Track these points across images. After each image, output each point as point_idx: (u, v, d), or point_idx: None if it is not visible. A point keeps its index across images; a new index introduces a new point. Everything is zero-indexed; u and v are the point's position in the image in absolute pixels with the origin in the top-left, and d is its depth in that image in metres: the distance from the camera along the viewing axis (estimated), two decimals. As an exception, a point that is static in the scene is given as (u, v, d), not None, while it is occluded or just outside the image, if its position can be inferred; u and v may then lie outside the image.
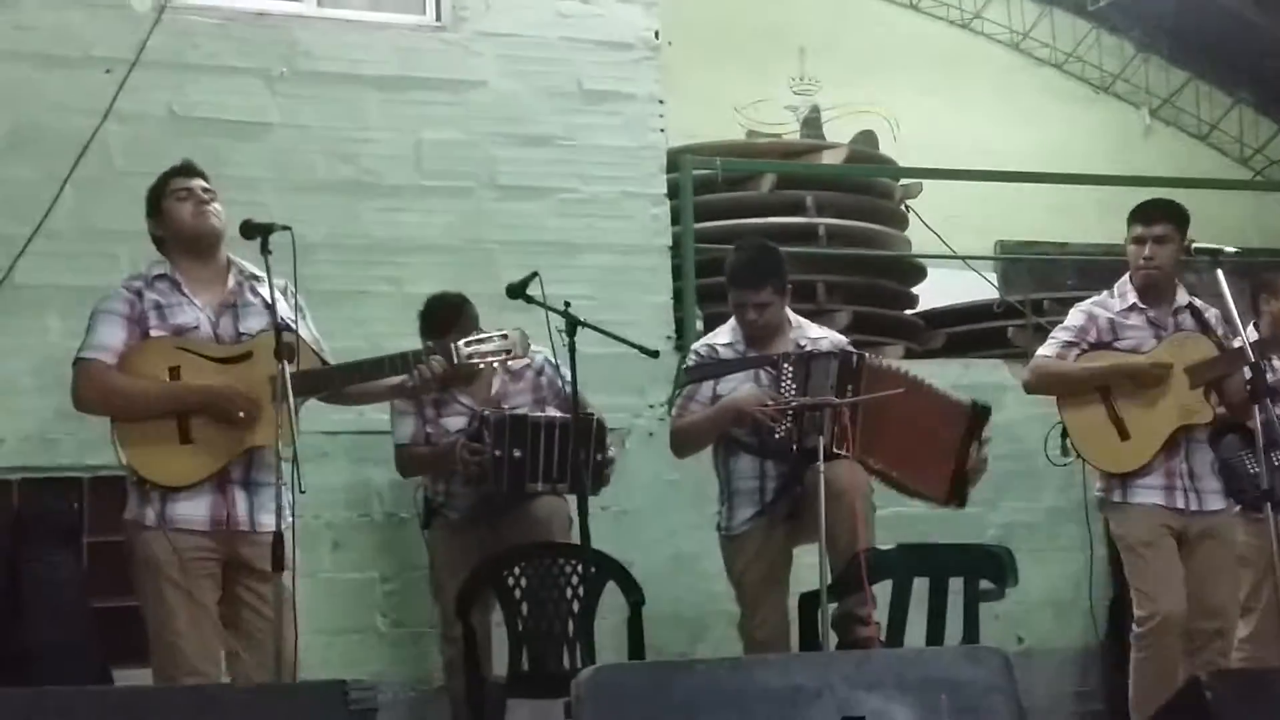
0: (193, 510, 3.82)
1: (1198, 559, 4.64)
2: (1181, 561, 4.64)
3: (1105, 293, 4.85)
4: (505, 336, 4.02)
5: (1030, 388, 4.86)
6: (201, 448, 3.80)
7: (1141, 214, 4.77)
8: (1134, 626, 4.65)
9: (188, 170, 4.04)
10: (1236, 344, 4.49)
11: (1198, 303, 4.79)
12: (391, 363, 4.00)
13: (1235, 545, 4.70)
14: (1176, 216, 4.75)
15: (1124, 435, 4.64)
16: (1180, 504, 4.63)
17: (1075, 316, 4.82)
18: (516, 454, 4.64)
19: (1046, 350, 4.81)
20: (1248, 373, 4.28)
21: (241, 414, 3.78)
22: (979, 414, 4.66)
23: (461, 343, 4.00)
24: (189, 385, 3.81)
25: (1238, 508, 4.80)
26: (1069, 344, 4.75)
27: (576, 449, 4.60)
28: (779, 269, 4.77)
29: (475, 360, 4.03)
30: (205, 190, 3.99)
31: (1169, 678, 4.48)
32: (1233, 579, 4.69)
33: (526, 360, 4.88)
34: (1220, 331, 4.70)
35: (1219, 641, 4.64)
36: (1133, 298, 4.76)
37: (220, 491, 3.84)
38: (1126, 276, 4.81)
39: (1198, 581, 4.63)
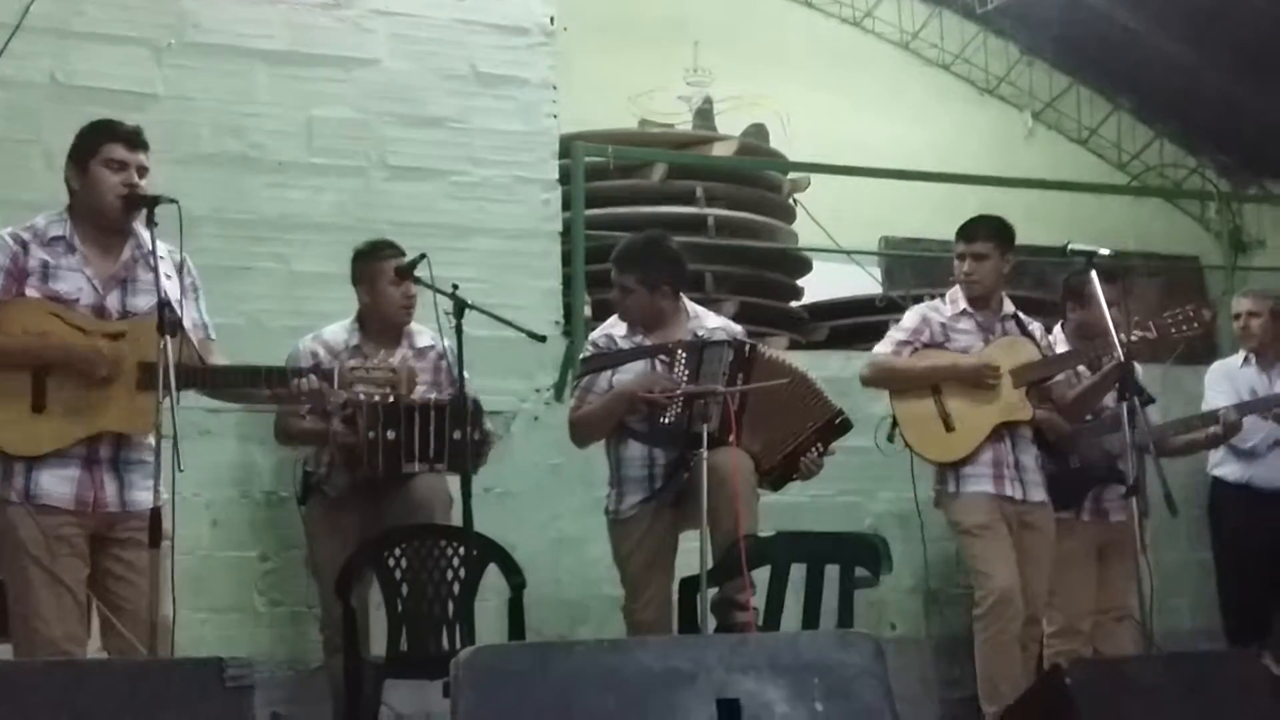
0: (56, 487, 3.74)
1: (1020, 550, 4.89)
2: None
3: (938, 298, 5.17)
4: (394, 372, 3.95)
5: (866, 381, 5.10)
6: (54, 418, 3.72)
7: (963, 231, 5.10)
8: (975, 610, 4.86)
9: (131, 140, 3.85)
10: (1059, 349, 5.11)
11: (1022, 316, 5.14)
12: (268, 375, 3.97)
13: (1053, 537, 5.00)
14: (997, 235, 5.04)
15: (949, 428, 4.92)
16: (1009, 492, 4.92)
17: (910, 318, 5.13)
18: (390, 435, 4.63)
19: (884, 347, 5.09)
20: (1114, 372, 4.68)
21: (104, 373, 3.70)
22: (841, 423, 4.76)
23: (347, 368, 3.95)
24: (49, 339, 3.73)
25: None
26: (904, 343, 5.05)
27: (453, 429, 4.60)
28: (645, 263, 4.80)
29: (357, 390, 3.94)
30: (141, 170, 3.84)
31: (1011, 657, 4.72)
32: (1046, 570, 4.95)
33: (432, 343, 4.88)
34: (1043, 343, 5.09)
35: (1034, 628, 4.93)
36: (963, 304, 5.10)
37: (87, 472, 3.77)
38: (958, 285, 5.11)
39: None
